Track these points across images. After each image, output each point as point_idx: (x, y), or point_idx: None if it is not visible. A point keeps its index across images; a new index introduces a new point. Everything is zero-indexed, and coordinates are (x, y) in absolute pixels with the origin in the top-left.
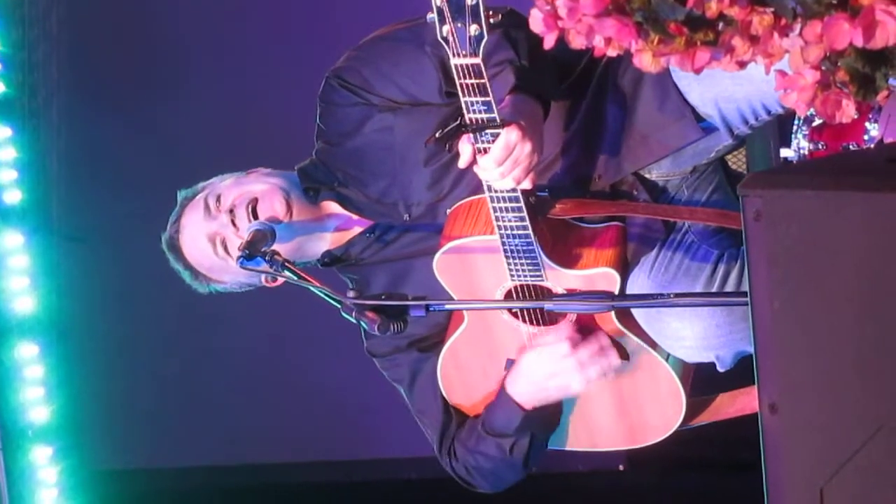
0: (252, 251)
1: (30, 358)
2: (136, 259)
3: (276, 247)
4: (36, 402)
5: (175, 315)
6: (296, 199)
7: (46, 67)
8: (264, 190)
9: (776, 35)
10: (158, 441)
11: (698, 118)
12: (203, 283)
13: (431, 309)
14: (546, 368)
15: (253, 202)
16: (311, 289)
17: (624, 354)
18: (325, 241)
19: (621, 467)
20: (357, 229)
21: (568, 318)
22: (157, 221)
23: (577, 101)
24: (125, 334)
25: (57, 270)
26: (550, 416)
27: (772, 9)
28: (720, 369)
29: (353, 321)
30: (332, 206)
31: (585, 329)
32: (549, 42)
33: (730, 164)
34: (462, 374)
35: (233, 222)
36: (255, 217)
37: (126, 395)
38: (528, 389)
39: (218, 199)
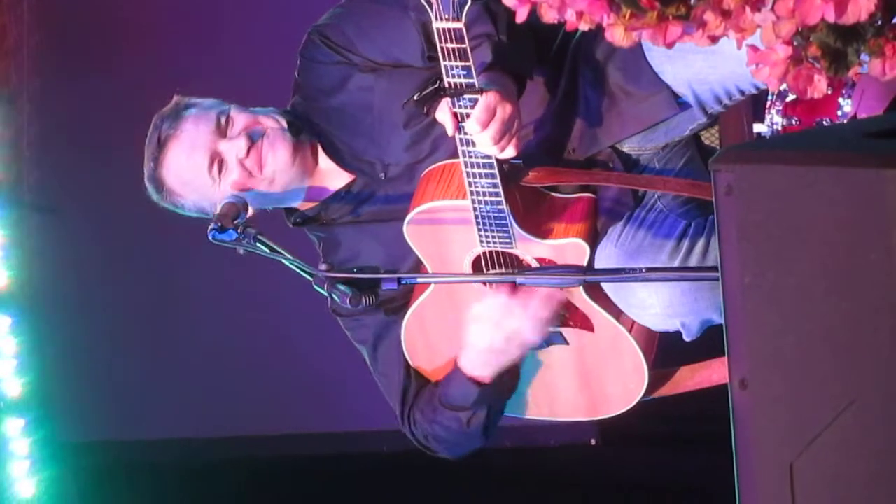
0: (224, 224)
1: (1, 330)
2: (107, 230)
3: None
4: (8, 374)
5: (147, 287)
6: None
7: (13, 38)
8: (276, 129)
9: (748, 10)
10: (131, 413)
11: (673, 95)
12: (159, 193)
13: (403, 282)
14: (498, 334)
15: (268, 133)
16: (284, 261)
17: (589, 326)
18: (301, 194)
19: (593, 442)
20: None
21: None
22: (128, 193)
23: (554, 73)
24: (97, 306)
25: (28, 242)
26: (506, 385)
27: None
28: (686, 338)
29: (325, 294)
30: (314, 155)
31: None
32: (521, 16)
33: (703, 139)
34: (426, 338)
35: (248, 150)
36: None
37: (98, 368)
38: (486, 359)
39: (227, 119)
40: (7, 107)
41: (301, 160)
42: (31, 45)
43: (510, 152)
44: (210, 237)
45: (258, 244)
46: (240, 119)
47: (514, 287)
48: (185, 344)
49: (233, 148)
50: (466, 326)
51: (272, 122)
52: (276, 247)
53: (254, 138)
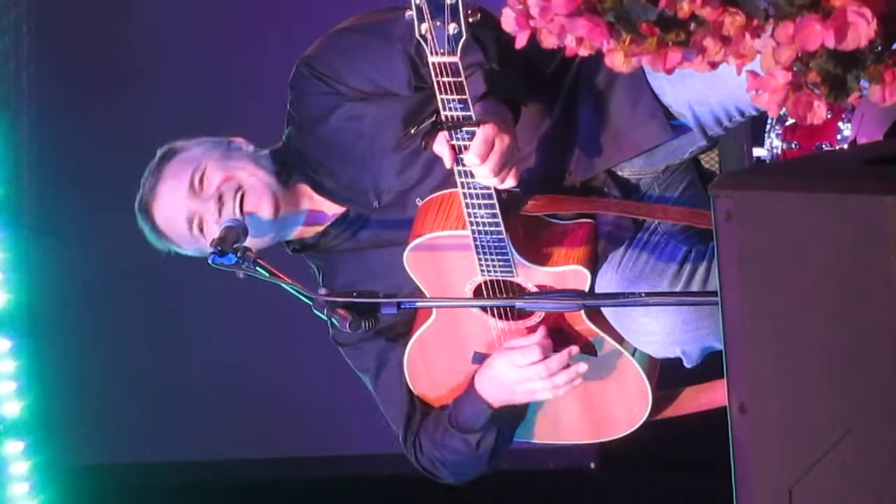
0: (224, 248)
1: (2, 352)
2: (108, 253)
3: (249, 240)
4: (8, 397)
5: (147, 310)
6: (278, 189)
7: (15, 59)
8: (254, 184)
9: (748, 36)
10: (130, 436)
11: (671, 118)
12: (164, 244)
13: (403, 307)
14: (515, 374)
15: (241, 193)
16: (283, 285)
17: (592, 350)
18: (297, 230)
19: (592, 465)
20: (328, 222)
21: (536, 316)
22: (129, 215)
23: (551, 98)
24: (97, 329)
25: (29, 264)
26: (516, 415)
27: (744, 9)
28: (687, 365)
29: (325, 318)
30: (306, 193)
31: (558, 333)
32: (521, 41)
33: (702, 162)
34: (428, 366)
35: (219, 211)
36: (242, 210)
37: (98, 390)
38: (494, 390)
39: (202, 177)
40: (7, 127)
41: (288, 206)
42: (31, 66)
43: (510, 183)
44: (209, 261)
45: (257, 268)
46: (215, 176)
47: (550, 342)
48: (186, 367)
49: (206, 210)
50: (499, 354)
51: (252, 174)
52: (275, 271)
53: (224, 199)
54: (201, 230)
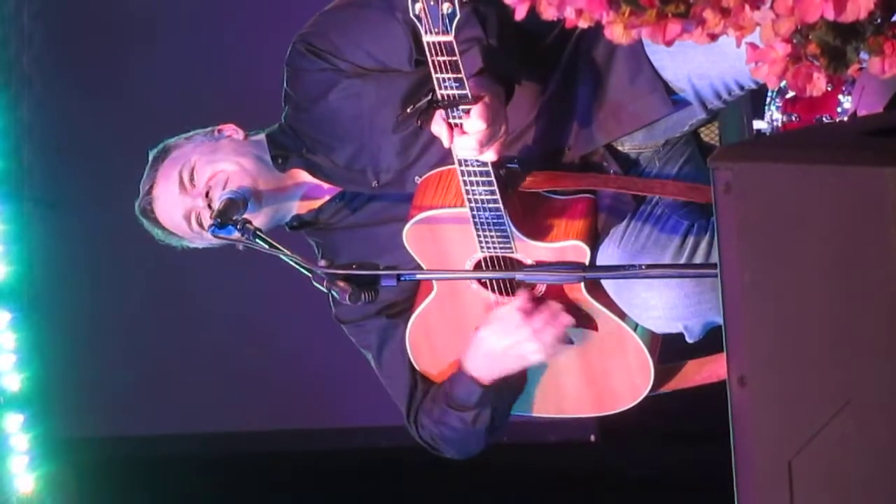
0: (224, 220)
1: (2, 325)
2: (107, 226)
3: (246, 215)
4: (8, 370)
5: (146, 283)
6: (263, 176)
7: (15, 30)
8: (235, 172)
9: (747, 7)
10: (130, 409)
11: (671, 92)
12: (176, 242)
13: (403, 279)
14: (502, 341)
15: (227, 183)
16: (283, 257)
17: (593, 325)
18: (294, 208)
19: (592, 438)
20: (326, 197)
21: (524, 289)
22: (129, 187)
23: (549, 71)
24: (97, 302)
25: (28, 237)
26: (511, 388)
27: None
28: (689, 340)
29: (324, 290)
30: (301, 174)
31: (541, 299)
32: (520, 13)
33: (702, 135)
34: (430, 342)
35: (209, 205)
36: None
37: (98, 363)
38: (485, 363)
39: (192, 174)
40: (8, 100)
41: (279, 191)
42: (34, 37)
43: (489, 156)
44: (210, 233)
45: (257, 240)
46: (204, 172)
47: (533, 305)
48: (185, 340)
49: (199, 206)
50: (484, 327)
51: (236, 163)
52: (274, 243)
53: (211, 194)
54: (201, 225)
